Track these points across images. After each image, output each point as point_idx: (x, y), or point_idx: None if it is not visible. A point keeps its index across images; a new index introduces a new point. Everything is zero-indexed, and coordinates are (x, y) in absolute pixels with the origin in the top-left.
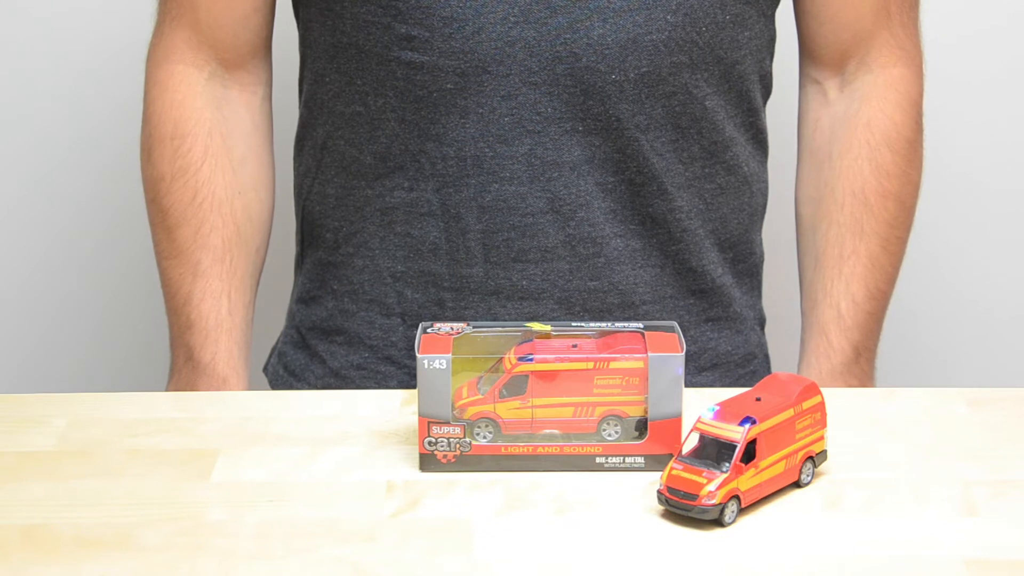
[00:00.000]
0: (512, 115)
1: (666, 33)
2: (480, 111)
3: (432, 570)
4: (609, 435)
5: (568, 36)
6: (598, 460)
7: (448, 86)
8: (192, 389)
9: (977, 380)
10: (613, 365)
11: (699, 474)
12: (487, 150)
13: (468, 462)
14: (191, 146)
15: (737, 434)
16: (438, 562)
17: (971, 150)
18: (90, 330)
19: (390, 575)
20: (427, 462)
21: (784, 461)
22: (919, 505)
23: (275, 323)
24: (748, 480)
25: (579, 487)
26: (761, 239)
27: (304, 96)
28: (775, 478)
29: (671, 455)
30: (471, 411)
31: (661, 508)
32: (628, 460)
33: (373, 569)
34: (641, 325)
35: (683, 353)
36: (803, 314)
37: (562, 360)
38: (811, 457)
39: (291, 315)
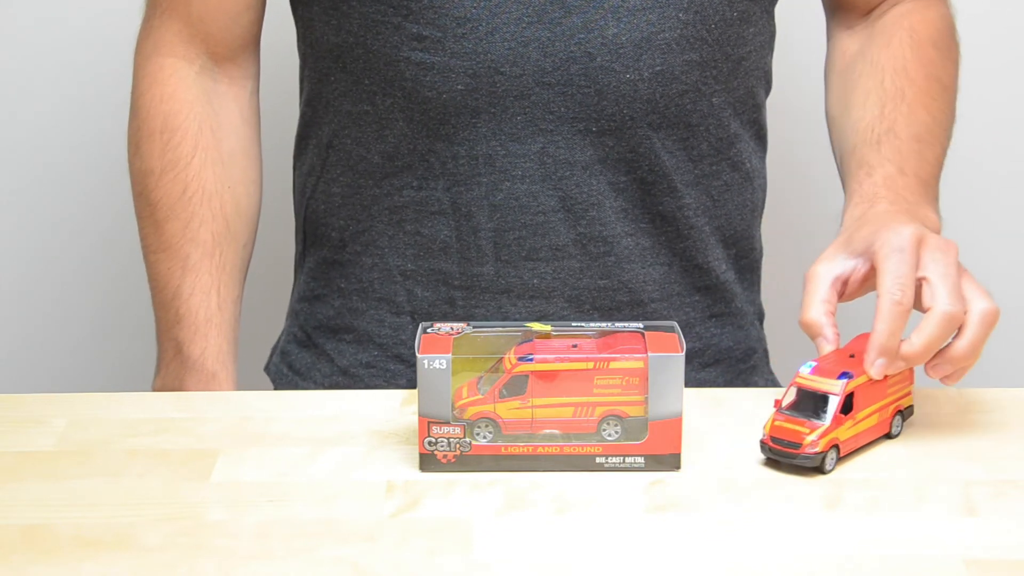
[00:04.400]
0: (525, 114)
1: (678, 31)
2: (492, 111)
3: (432, 570)
4: (609, 435)
5: (582, 36)
6: (598, 460)
7: (459, 87)
8: (180, 383)
9: (977, 380)
10: (613, 365)
11: (801, 424)
12: (499, 148)
13: (468, 462)
14: (181, 139)
15: (836, 388)
16: (438, 562)
17: (973, 149)
18: (89, 330)
19: (390, 575)
20: (427, 462)
21: (877, 414)
22: (919, 505)
23: (275, 323)
24: (847, 431)
25: (579, 487)
26: (760, 235)
27: (305, 95)
28: (870, 429)
29: (671, 455)
30: (471, 411)
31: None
32: (628, 460)
33: (373, 569)
34: (641, 325)
35: (683, 353)
36: (842, 181)
37: (562, 360)
38: (900, 411)
39: (294, 314)
